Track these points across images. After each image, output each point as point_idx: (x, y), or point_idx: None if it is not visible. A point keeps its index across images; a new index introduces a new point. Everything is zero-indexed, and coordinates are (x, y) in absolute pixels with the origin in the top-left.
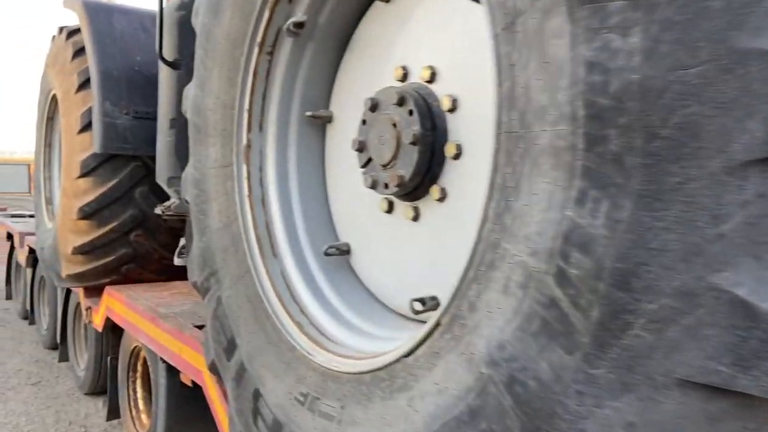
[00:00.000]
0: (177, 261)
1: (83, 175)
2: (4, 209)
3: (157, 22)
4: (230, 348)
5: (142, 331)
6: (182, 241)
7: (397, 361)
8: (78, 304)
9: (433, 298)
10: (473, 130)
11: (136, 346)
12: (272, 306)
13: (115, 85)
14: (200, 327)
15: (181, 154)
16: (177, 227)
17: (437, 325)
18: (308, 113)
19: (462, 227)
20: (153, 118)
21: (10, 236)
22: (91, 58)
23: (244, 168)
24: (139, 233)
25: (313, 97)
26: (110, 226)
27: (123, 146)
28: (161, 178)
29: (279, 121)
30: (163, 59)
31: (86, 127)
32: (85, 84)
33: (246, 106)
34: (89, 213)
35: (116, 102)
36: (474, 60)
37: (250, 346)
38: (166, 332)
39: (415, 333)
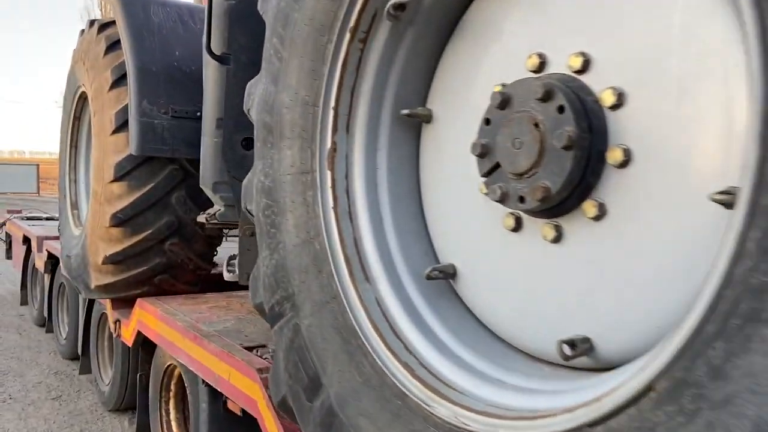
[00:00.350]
0: (227, 276)
1: (117, 179)
2: (19, 212)
3: (205, 12)
4: (313, 387)
5: (182, 351)
6: (227, 254)
7: (578, 430)
8: (102, 315)
9: (585, 340)
10: (646, 132)
11: (170, 365)
12: (369, 341)
13: (153, 82)
14: (250, 349)
15: (229, 157)
16: (214, 235)
17: (648, 389)
18: (404, 111)
19: (628, 254)
20: (193, 117)
21: (26, 239)
22: (127, 53)
23: (328, 175)
24: (175, 242)
25: (409, 93)
26: (144, 234)
27: (161, 148)
28: (206, 183)
29: (369, 121)
30: (210, 53)
31: (121, 127)
32: (119, 81)
33: (332, 103)
34: (123, 220)
35: (154, 100)
36: (648, 43)
37: (342, 387)
38: (212, 354)
39: (580, 387)
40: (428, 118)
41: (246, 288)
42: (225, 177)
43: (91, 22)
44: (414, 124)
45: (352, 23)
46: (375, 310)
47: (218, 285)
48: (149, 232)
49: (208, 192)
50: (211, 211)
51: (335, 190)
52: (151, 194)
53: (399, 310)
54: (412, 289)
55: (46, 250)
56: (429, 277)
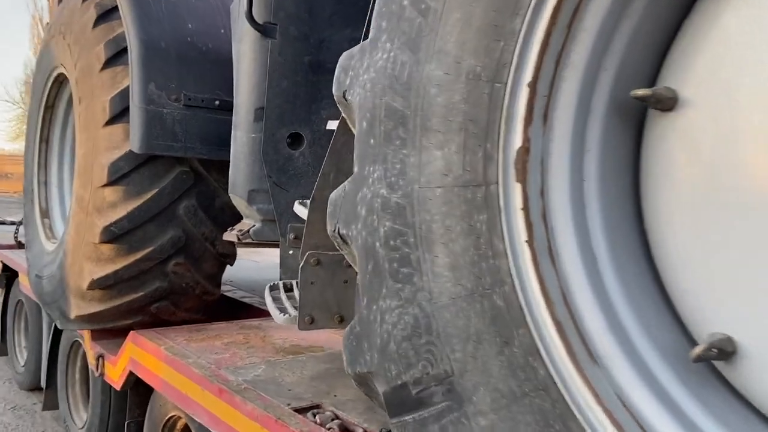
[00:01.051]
0: (279, 317)
1: (111, 183)
2: None
3: None
4: None
5: (202, 408)
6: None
7: None
8: (74, 343)
9: None
10: None
11: (173, 416)
12: None
13: (161, 60)
14: (302, 411)
15: (270, 158)
16: (227, 253)
17: None
18: (638, 92)
19: None
20: (210, 107)
21: None
22: (128, 23)
23: (518, 190)
24: (180, 261)
25: (638, 66)
26: (144, 252)
27: (171, 145)
28: (238, 192)
29: (579, 106)
30: (252, 22)
31: (118, 116)
32: (115, 58)
33: (527, 76)
34: (117, 234)
35: (163, 84)
36: None
37: None
38: (251, 418)
39: None
40: (669, 104)
41: (262, 314)
42: (263, 184)
43: None
44: (635, 114)
45: None
46: (616, 408)
47: (221, 310)
48: (150, 249)
49: (240, 203)
50: (242, 226)
51: (528, 213)
52: (155, 203)
53: (651, 405)
54: (663, 371)
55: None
56: (700, 358)
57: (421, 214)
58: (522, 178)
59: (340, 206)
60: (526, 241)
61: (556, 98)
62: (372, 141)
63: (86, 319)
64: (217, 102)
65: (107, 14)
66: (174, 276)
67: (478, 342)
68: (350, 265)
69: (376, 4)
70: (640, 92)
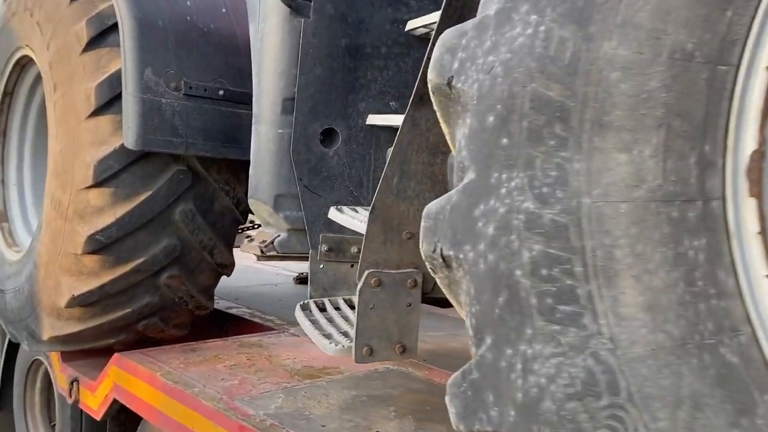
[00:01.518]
0: (330, 349)
1: (98, 184)
2: None
3: None
4: None
5: None
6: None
7: None
8: (35, 362)
9: None
10: None
11: None
12: None
13: (159, 42)
14: None
15: (302, 157)
16: (224, 263)
17: None
18: None
19: None
20: (215, 97)
21: None
22: None
23: (751, 207)
24: (174, 274)
25: None
26: (134, 264)
27: (170, 140)
28: (261, 197)
29: None
30: None
31: (104, 107)
32: (100, 38)
33: (765, 58)
34: (104, 244)
35: (161, 70)
36: None
37: None
38: None
39: None
40: None
41: (255, 328)
42: (292, 188)
43: None
44: None
45: None
46: None
47: (207, 323)
48: (141, 261)
49: (262, 209)
50: (264, 237)
51: None
52: (148, 207)
53: None
54: None
55: None
56: None
57: (595, 236)
58: (757, 191)
59: (444, 221)
60: (766, 277)
61: None
62: (505, 140)
63: (61, 341)
64: (221, 91)
65: None
66: (166, 289)
67: (696, 408)
68: (414, 286)
69: None
70: None
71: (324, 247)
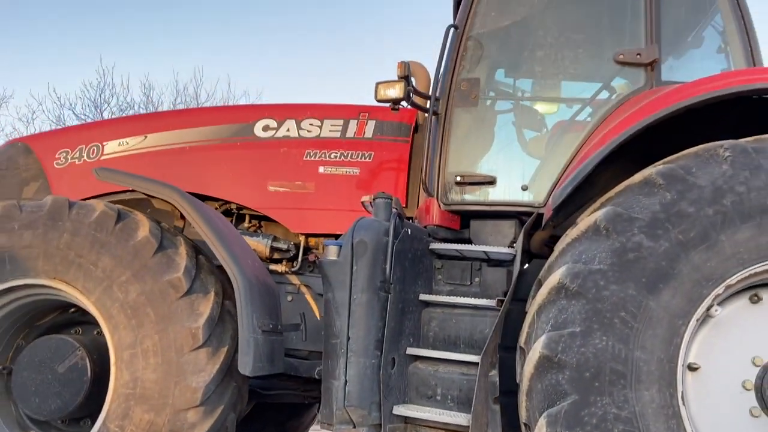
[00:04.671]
0: None
1: (200, 405)
2: None
3: None
4: None
5: None
6: None
7: None
8: None
9: None
10: None
11: None
12: None
13: (257, 296)
14: None
15: (384, 379)
16: None
17: None
18: None
19: None
20: (275, 332)
21: None
22: (230, 263)
23: None
24: None
25: None
26: None
27: (264, 365)
28: (356, 403)
29: None
30: (381, 284)
31: (205, 343)
32: (192, 287)
33: None
34: None
35: (261, 316)
36: None
37: None
38: None
39: None
40: None
41: None
42: (375, 397)
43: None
44: None
45: None
46: None
47: None
48: None
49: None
50: None
51: None
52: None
53: None
54: None
55: None
56: None
57: None
58: None
59: None
60: None
61: None
62: None
63: None
64: (279, 326)
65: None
66: None
67: None
68: None
69: None
70: None
71: None
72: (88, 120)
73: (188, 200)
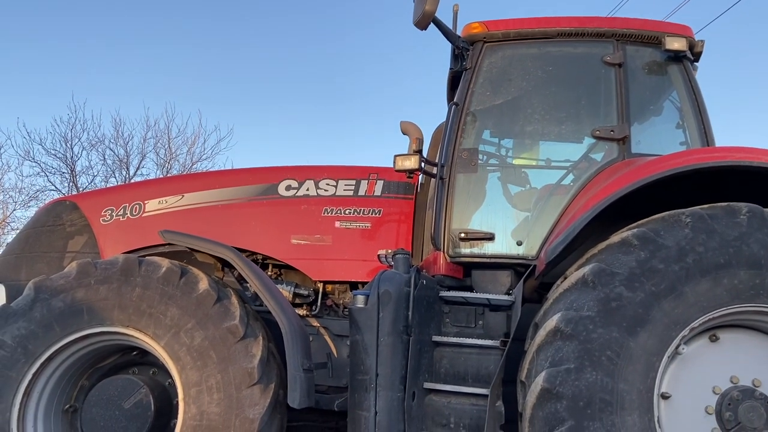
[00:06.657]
0: None
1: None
2: None
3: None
4: None
5: None
6: None
7: None
8: None
9: None
10: None
11: None
12: None
13: (297, 337)
14: None
15: (406, 412)
16: None
17: None
18: None
19: None
20: (311, 370)
21: None
22: (279, 312)
23: None
24: None
25: None
26: None
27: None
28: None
29: None
30: (403, 335)
31: (259, 380)
32: (247, 333)
33: None
34: None
35: (300, 357)
36: None
37: None
38: None
39: None
40: None
41: None
42: (400, 425)
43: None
44: None
45: None
46: None
47: None
48: None
49: None
50: None
51: None
52: None
53: None
54: None
55: None
56: None
57: None
58: None
59: None
60: None
61: None
62: None
63: None
64: (312, 365)
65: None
66: None
67: None
68: None
69: None
70: None
71: None
72: (58, 155)
73: (242, 258)
